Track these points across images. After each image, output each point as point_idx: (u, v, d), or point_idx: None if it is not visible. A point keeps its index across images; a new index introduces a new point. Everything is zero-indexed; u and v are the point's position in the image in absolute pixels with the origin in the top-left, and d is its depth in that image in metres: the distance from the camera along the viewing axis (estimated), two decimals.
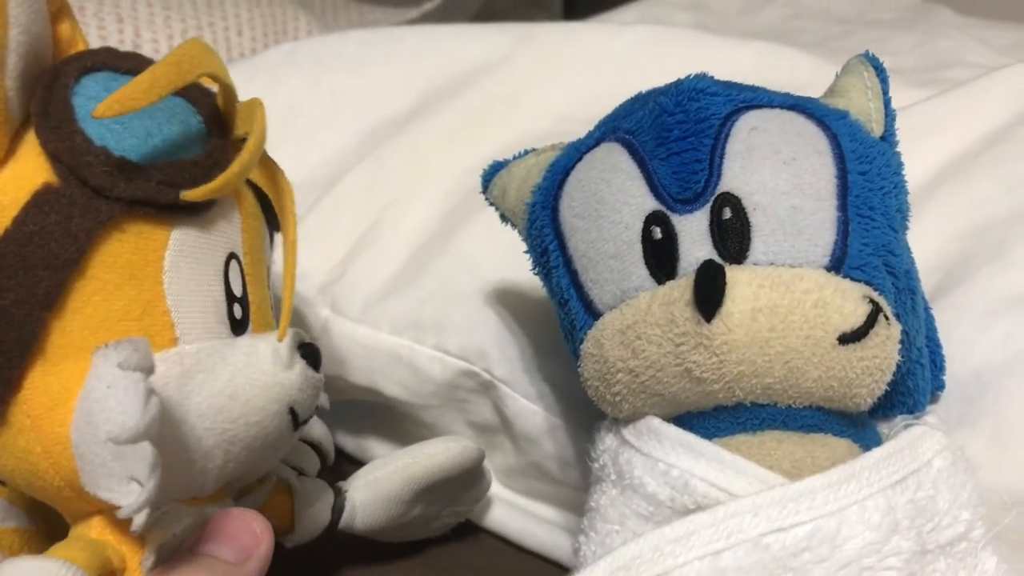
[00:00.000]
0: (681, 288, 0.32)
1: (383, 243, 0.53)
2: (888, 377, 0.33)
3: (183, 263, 0.33)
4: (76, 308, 0.31)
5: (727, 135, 0.34)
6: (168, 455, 0.29)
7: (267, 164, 0.35)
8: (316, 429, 0.44)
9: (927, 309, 0.39)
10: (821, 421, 0.33)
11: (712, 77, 0.36)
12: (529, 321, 0.47)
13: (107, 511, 0.31)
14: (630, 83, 0.40)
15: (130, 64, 0.33)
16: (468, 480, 0.46)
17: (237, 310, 0.35)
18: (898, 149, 0.37)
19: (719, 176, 0.34)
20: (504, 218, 0.42)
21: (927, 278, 0.40)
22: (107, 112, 0.30)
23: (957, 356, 0.40)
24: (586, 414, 0.44)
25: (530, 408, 0.46)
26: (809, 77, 0.50)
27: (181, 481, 0.32)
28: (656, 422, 0.34)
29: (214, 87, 0.35)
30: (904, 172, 0.37)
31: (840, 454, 0.33)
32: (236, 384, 0.33)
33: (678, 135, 0.34)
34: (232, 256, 0.35)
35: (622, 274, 0.35)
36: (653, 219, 0.34)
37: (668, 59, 0.40)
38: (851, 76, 0.38)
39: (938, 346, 0.39)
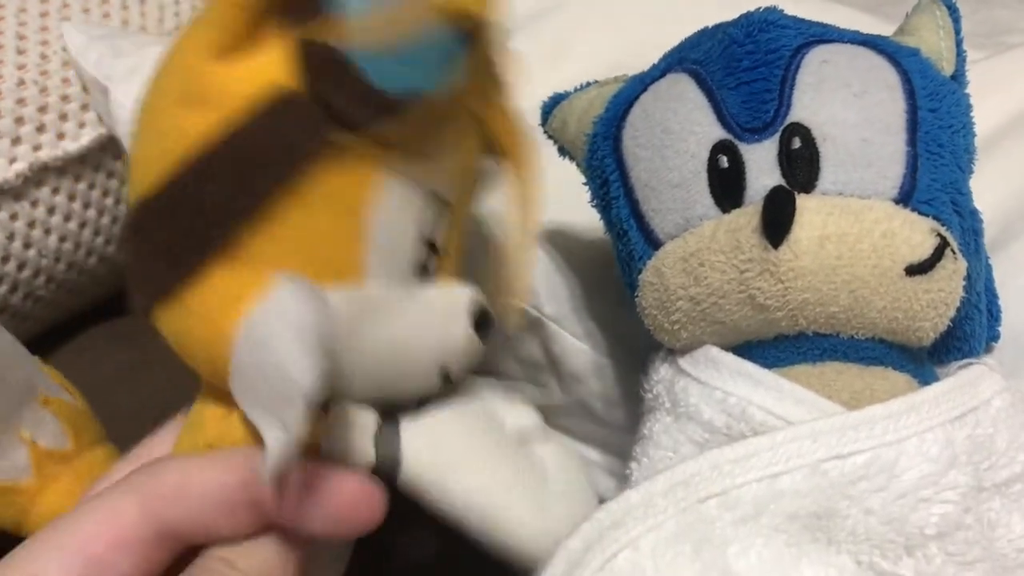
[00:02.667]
0: (748, 215, 0.32)
1: None
2: (952, 312, 0.33)
3: (393, 200, 0.31)
4: (276, 221, 0.29)
5: (797, 66, 0.34)
6: None
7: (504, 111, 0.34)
8: None
9: (986, 258, 0.38)
10: (882, 354, 0.33)
11: (782, 10, 0.36)
12: (578, 261, 0.47)
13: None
14: (684, 31, 0.39)
15: None
16: None
17: (428, 257, 0.34)
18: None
19: (789, 106, 0.33)
20: (563, 151, 0.42)
21: (985, 231, 0.40)
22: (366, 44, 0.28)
23: (1012, 308, 0.40)
24: (633, 353, 0.44)
25: (577, 346, 0.46)
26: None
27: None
28: (714, 351, 0.34)
29: None
30: (972, 114, 0.37)
31: (899, 388, 0.33)
32: (402, 340, 0.32)
33: (748, 65, 0.34)
34: (438, 198, 0.33)
35: (686, 203, 0.34)
36: (720, 148, 0.34)
37: (727, 11, 0.40)
38: (923, 15, 0.38)
39: (995, 296, 0.39)
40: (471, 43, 0.31)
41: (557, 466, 0.38)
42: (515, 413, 0.40)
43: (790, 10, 0.57)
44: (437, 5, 0.28)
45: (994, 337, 0.39)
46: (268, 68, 0.29)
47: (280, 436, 0.27)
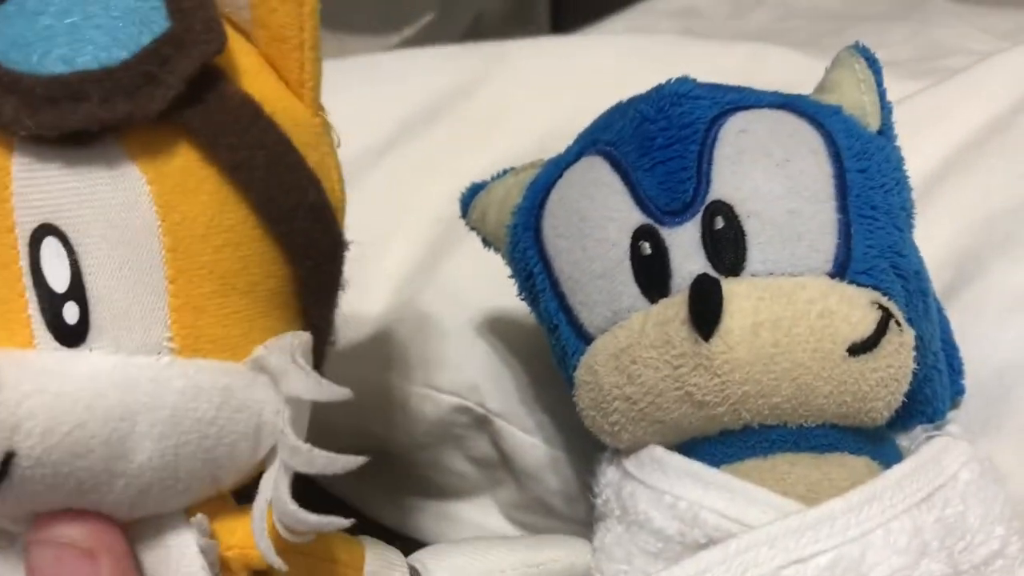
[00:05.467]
0: (676, 306, 0.30)
1: (367, 280, 0.51)
2: (904, 387, 0.31)
3: None
4: None
5: (714, 140, 0.32)
6: None
7: None
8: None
9: (940, 311, 0.36)
10: (836, 439, 0.31)
11: (694, 80, 0.34)
12: (522, 351, 0.45)
13: None
14: (613, 96, 0.38)
15: None
16: None
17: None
18: (898, 143, 0.35)
19: (708, 183, 0.31)
20: (487, 242, 0.40)
21: (938, 275, 0.38)
22: None
23: (975, 357, 0.38)
24: (588, 444, 0.42)
25: (528, 441, 0.44)
26: (800, 75, 0.48)
27: None
28: (659, 451, 0.32)
29: None
30: (906, 167, 0.35)
31: (859, 473, 0.31)
32: None
33: (662, 143, 0.32)
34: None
35: (612, 295, 0.32)
36: (641, 234, 0.32)
37: (652, 68, 0.38)
38: (842, 69, 0.36)
39: (955, 348, 0.37)
40: None
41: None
42: None
43: (722, 58, 0.56)
44: None
45: (959, 392, 0.37)
46: None
47: None
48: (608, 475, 0.34)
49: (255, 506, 0.28)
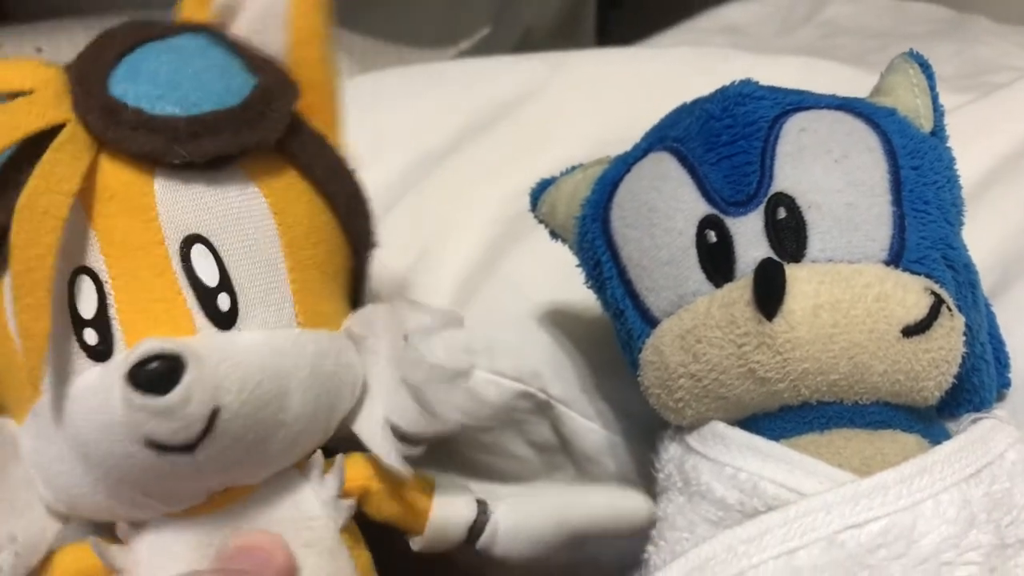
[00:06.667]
0: (740, 289, 0.32)
1: (431, 275, 0.53)
2: (954, 369, 0.33)
3: None
4: None
5: (776, 137, 0.34)
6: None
7: None
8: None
9: (987, 306, 0.38)
10: (889, 417, 0.33)
11: (757, 82, 0.36)
12: (582, 340, 0.47)
13: None
14: (668, 104, 0.40)
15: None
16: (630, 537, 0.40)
17: (90, 335, 0.31)
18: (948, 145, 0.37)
19: (771, 177, 0.34)
20: (554, 234, 0.42)
21: (985, 277, 0.39)
22: None
23: (1021, 353, 0.40)
24: (646, 430, 0.44)
25: (588, 426, 0.45)
26: (849, 88, 0.50)
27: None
28: (721, 426, 0.34)
29: None
30: (956, 167, 0.37)
31: (910, 450, 0.32)
32: (83, 435, 0.30)
33: (727, 139, 0.35)
34: (82, 271, 0.31)
35: (678, 280, 0.35)
36: (707, 223, 0.34)
37: (706, 78, 0.40)
38: (896, 74, 0.38)
39: (1001, 343, 0.38)
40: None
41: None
42: None
43: (772, 71, 0.57)
44: None
45: (1005, 384, 0.38)
46: None
47: None
48: (671, 451, 0.36)
49: (373, 435, 0.34)
